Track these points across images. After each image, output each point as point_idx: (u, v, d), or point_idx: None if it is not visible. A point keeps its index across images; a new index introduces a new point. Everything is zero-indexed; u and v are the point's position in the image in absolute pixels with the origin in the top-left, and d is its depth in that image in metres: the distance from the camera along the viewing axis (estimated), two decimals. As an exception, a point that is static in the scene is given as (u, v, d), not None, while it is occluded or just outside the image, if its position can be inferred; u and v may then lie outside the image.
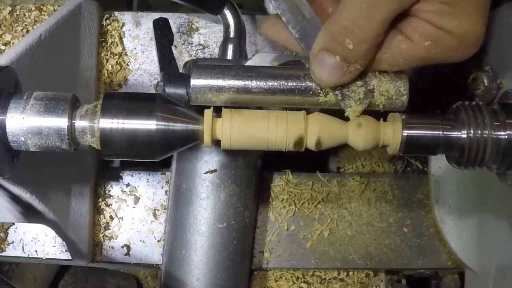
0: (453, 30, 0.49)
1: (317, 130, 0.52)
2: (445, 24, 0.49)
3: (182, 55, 0.83)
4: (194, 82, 0.54)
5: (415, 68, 0.54)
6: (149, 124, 0.50)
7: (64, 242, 0.76)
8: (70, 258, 0.78)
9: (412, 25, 0.50)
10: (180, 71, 0.69)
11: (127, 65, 0.83)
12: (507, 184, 0.55)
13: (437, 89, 0.80)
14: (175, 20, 0.83)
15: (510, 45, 0.68)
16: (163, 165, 0.81)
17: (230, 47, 0.71)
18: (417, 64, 0.52)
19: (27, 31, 0.80)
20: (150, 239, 0.81)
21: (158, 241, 0.81)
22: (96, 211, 0.81)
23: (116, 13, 0.83)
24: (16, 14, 0.81)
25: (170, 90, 0.62)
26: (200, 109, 0.53)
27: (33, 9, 0.81)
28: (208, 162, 0.71)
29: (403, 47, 0.50)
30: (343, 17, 0.49)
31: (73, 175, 0.74)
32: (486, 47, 0.76)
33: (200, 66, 0.55)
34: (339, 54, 0.49)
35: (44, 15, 0.81)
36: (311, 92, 0.54)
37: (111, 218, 0.81)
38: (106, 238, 0.81)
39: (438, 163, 0.81)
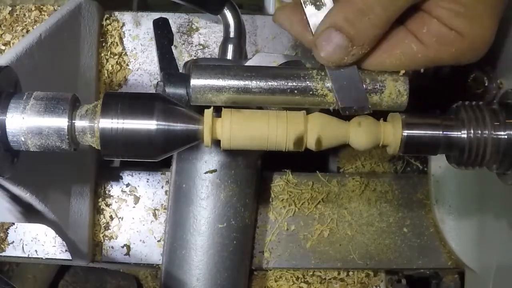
0: (465, 32, 0.49)
1: (317, 130, 0.52)
2: (458, 25, 0.49)
3: (182, 55, 0.83)
4: (194, 82, 0.54)
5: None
6: (149, 124, 0.50)
7: (64, 242, 0.76)
8: (70, 258, 0.78)
9: (424, 24, 0.50)
10: (180, 71, 0.69)
11: (127, 65, 0.83)
12: (507, 184, 0.55)
13: (437, 89, 0.80)
14: (175, 20, 0.83)
15: (510, 45, 0.67)
16: (163, 165, 0.81)
17: (230, 47, 0.71)
18: (425, 66, 0.52)
19: (27, 31, 0.80)
20: (150, 239, 0.81)
21: (158, 241, 0.81)
22: (96, 211, 0.81)
23: (116, 13, 0.83)
24: (16, 14, 0.81)
25: (170, 90, 0.62)
26: (200, 109, 0.53)
27: (33, 9, 0.81)
28: (208, 162, 0.71)
29: (413, 47, 0.50)
30: (360, 0, 0.48)
31: (73, 175, 0.74)
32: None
33: (200, 66, 0.55)
34: (348, 34, 0.49)
35: (44, 15, 0.81)
36: (311, 92, 0.54)
37: (111, 218, 0.81)
38: (106, 238, 0.81)
39: (438, 163, 0.81)
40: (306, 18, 0.52)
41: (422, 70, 0.54)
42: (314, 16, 0.52)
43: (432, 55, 0.50)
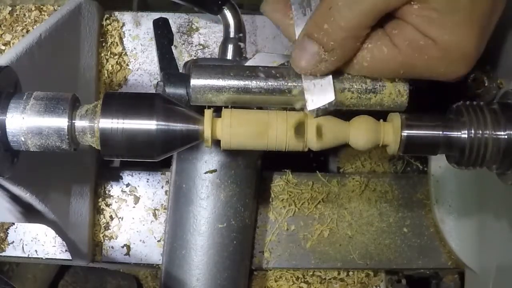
0: (439, 40, 0.47)
1: (317, 130, 0.52)
2: (432, 32, 0.47)
3: (182, 55, 0.83)
4: (194, 82, 0.54)
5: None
6: (149, 124, 0.50)
7: (64, 242, 0.76)
8: (70, 258, 0.78)
9: (398, 29, 0.48)
10: (180, 71, 0.69)
11: (127, 65, 0.83)
12: (507, 184, 0.55)
13: (437, 89, 0.80)
14: (175, 20, 0.83)
15: (510, 45, 0.68)
16: (163, 165, 0.81)
17: (230, 47, 0.71)
18: (401, 74, 0.51)
19: (27, 31, 0.80)
20: (150, 239, 0.81)
21: (158, 241, 0.81)
22: (96, 211, 0.81)
23: (116, 13, 0.83)
24: (16, 14, 0.81)
25: (170, 90, 0.62)
26: (200, 109, 0.53)
27: (33, 9, 0.81)
28: (208, 162, 0.71)
29: (385, 50, 0.49)
30: (327, 3, 0.48)
31: (73, 175, 0.74)
32: (486, 47, 0.76)
33: (200, 66, 0.55)
34: (317, 40, 0.48)
35: (44, 15, 0.81)
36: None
37: (111, 218, 0.81)
38: (106, 238, 0.81)
39: (438, 163, 0.81)
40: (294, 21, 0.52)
41: None
42: (301, 22, 0.52)
43: (404, 59, 0.49)
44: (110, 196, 0.81)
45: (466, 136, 0.52)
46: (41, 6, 0.81)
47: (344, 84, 0.53)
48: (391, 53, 0.49)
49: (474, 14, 0.47)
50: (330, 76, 0.52)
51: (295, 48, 0.50)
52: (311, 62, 0.50)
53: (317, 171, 0.83)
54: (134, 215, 0.81)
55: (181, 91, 0.61)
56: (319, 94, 0.52)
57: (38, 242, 0.80)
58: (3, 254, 0.80)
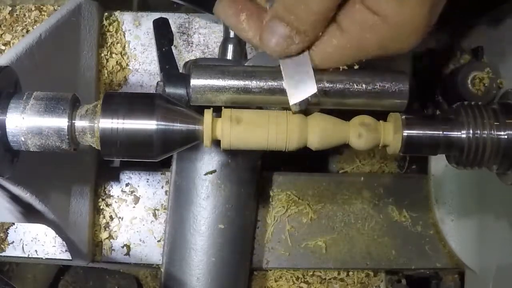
0: (390, 16, 0.46)
1: (317, 130, 0.52)
2: (380, 8, 0.46)
3: (182, 55, 0.83)
4: (194, 82, 0.54)
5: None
6: (149, 124, 0.50)
7: (64, 242, 0.76)
8: (70, 258, 0.78)
9: (349, 13, 0.48)
10: (180, 71, 0.69)
11: (127, 65, 0.83)
12: (507, 184, 0.55)
13: (437, 89, 0.80)
14: (175, 20, 0.83)
15: (510, 46, 0.68)
16: (163, 165, 0.81)
17: (230, 47, 0.71)
18: (354, 58, 0.51)
19: (27, 31, 0.80)
20: (150, 239, 0.81)
21: (158, 241, 0.81)
22: (96, 211, 0.81)
23: (116, 13, 0.83)
24: (16, 14, 0.81)
25: (170, 90, 0.62)
26: (200, 109, 0.53)
27: (33, 9, 0.81)
28: (208, 162, 0.71)
29: (339, 38, 0.49)
30: None
31: (73, 175, 0.74)
32: (486, 48, 0.76)
33: (200, 66, 0.55)
34: (289, 23, 0.48)
35: (44, 15, 0.81)
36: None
37: (111, 218, 0.81)
38: (106, 238, 0.81)
39: (438, 163, 0.81)
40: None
41: (356, 66, 0.53)
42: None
43: (356, 43, 0.49)
44: (110, 196, 0.81)
45: (466, 136, 0.52)
46: (41, 6, 0.81)
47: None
48: (344, 40, 0.49)
49: None
50: (311, 69, 0.51)
51: (264, 31, 0.50)
52: (282, 44, 0.50)
53: (317, 171, 0.83)
54: (134, 215, 0.81)
55: (181, 91, 0.61)
56: (300, 87, 0.51)
57: (38, 242, 0.80)
58: (3, 254, 0.80)
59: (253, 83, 0.54)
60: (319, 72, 0.53)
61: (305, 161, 0.77)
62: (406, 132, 0.52)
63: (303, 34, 0.49)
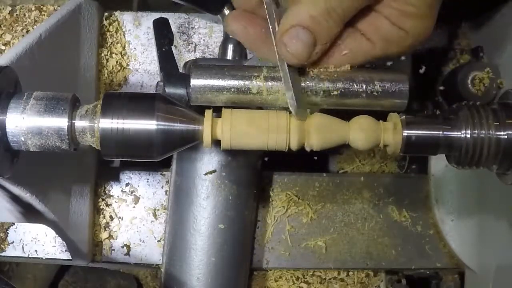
0: (411, 31, 0.52)
1: (317, 130, 0.52)
2: (407, 24, 0.51)
3: (182, 55, 0.83)
4: (194, 82, 0.54)
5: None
6: (149, 124, 0.50)
7: (64, 242, 0.76)
8: (70, 258, 0.78)
9: (374, 25, 0.52)
10: (180, 71, 0.69)
11: (127, 65, 0.83)
12: (507, 184, 0.55)
13: (437, 89, 0.80)
14: (175, 20, 0.83)
15: (510, 45, 0.68)
16: (163, 165, 0.81)
17: (230, 47, 0.71)
18: (371, 62, 0.54)
19: (27, 31, 0.80)
20: (150, 239, 0.81)
21: (158, 241, 0.81)
22: (96, 211, 0.81)
23: (116, 13, 0.83)
24: (16, 14, 0.81)
25: (170, 90, 0.62)
26: (200, 109, 0.53)
27: (33, 9, 0.81)
28: (208, 162, 0.71)
29: (364, 47, 0.53)
30: (323, 1, 0.50)
31: (73, 175, 0.74)
32: (486, 48, 0.76)
33: (200, 66, 0.55)
34: (314, 32, 0.50)
35: (44, 15, 0.81)
36: (309, 92, 0.54)
37: (111, 218, 0.81)
38: (106, 238, 0.81)
39: (438, 163, 0.81)
40: (268, 16, 0.52)
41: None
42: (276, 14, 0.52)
43: (379, 52, 0.53)
44: (110, 196, 0.81)
45: (466, 136, 0.52)
46: (41, 6, 0.81)
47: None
48: (369, 50, 0.53)
49: (437, 7, 0.52)
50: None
51: (286, 36, 0.51)
52: (304, 51, 0.51)
53: (317, 171, 0.83)
54: (134, 215, 0.81)
55: (181, 91, 0.61)
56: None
57: (38, 242, 0.80)
58: (3, 254, 0.80)
59: (253, 83, 0.54)
60: (319, 72, 0.53)
61: (305, 161, 0.77)
62: (406, 132, 0.52)
63: (324, 44, 0.51)
